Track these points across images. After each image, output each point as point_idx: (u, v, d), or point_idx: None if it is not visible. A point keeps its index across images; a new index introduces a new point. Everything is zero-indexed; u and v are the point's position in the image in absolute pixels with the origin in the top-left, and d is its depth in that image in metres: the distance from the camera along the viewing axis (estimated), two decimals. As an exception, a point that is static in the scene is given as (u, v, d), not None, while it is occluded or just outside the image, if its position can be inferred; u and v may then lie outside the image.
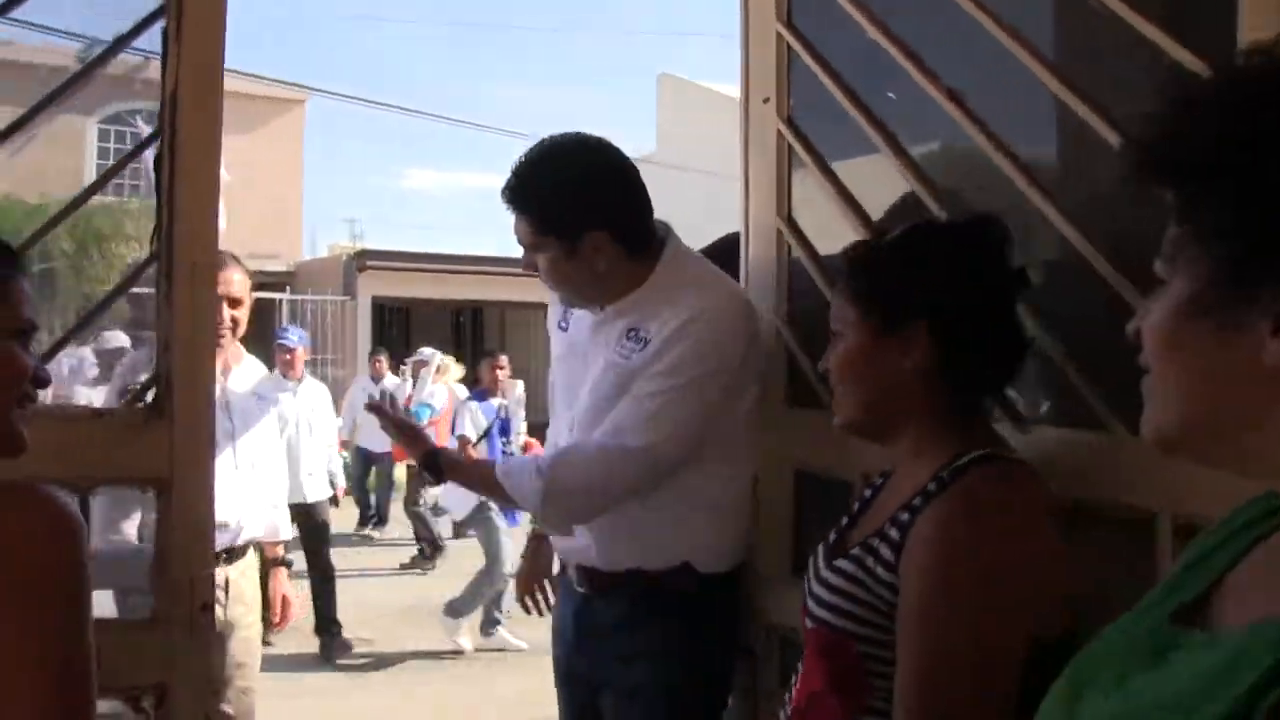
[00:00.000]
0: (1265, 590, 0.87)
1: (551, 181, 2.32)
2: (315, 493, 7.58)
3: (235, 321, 3.65)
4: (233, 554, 3.66)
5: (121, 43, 2.01)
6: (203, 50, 2.00)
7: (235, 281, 3.62)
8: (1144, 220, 1.86)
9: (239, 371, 3.82)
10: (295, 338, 8.16)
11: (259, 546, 4.09)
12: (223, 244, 3.36)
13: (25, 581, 1.24)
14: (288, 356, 7.92)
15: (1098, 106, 1.84)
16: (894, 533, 1.56)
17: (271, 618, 4.27)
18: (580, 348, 2.50)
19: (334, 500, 8.40)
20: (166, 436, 1.97)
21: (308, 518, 7.48)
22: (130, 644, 2.00)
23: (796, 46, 2.54)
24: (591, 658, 2.53)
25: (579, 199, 2.30)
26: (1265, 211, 0.85)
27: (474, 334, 20.46)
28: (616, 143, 2.43)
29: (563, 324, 2.60)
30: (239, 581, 3.68)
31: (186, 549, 1.98)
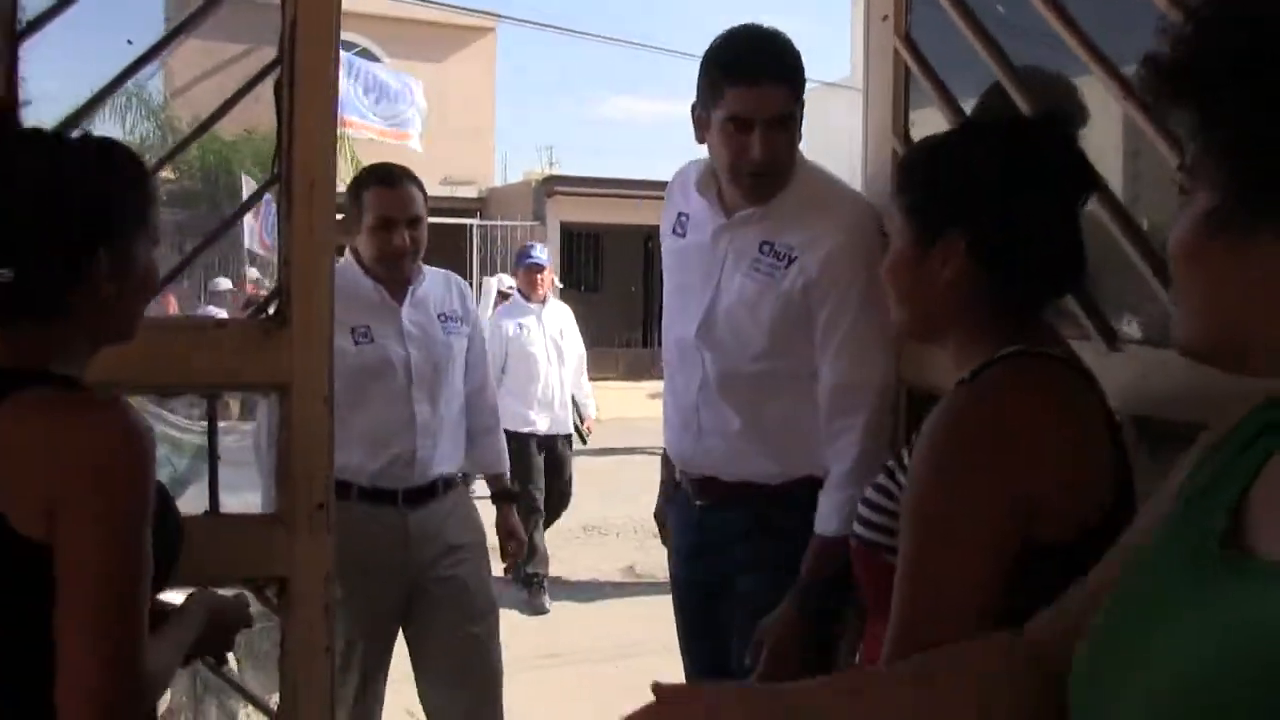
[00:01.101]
0: None
1: (794, 52, 2.40)
2: (554, 424, 6.99)
3: (415, 243, 3.21)
4: (416, 496, 3.22)
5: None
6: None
7: (415, 200, 3.22)
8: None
9: (419, 295, 3.32)
10: (544, 256, 7.33)
11: (492, 480, 3.61)
12: (419, 170, 3.48)
13: (85, 486, 1.35)
14: (538, 276, 7.11)
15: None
16: (915, 437, 1.54)
17: (501, 555, 3.61)
18: (698, 254, 2.55)
19: (581, 435, 7.54)
20: (287, 344, 2.12)
21: (545, 450, 6.95)
22: (253, 538, 2.18)
23: (916, -36, 2.50)
24: (710, 569, 2.61)
25: (804, 69, 2.43)
26: (1273, 123, 0.85)
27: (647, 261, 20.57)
28: (812, 67, 2.53)
29: (678, 229, 2.63)
30: (423, 525, 3.23)
31: (305, 450, 2.13)
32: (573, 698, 5.14)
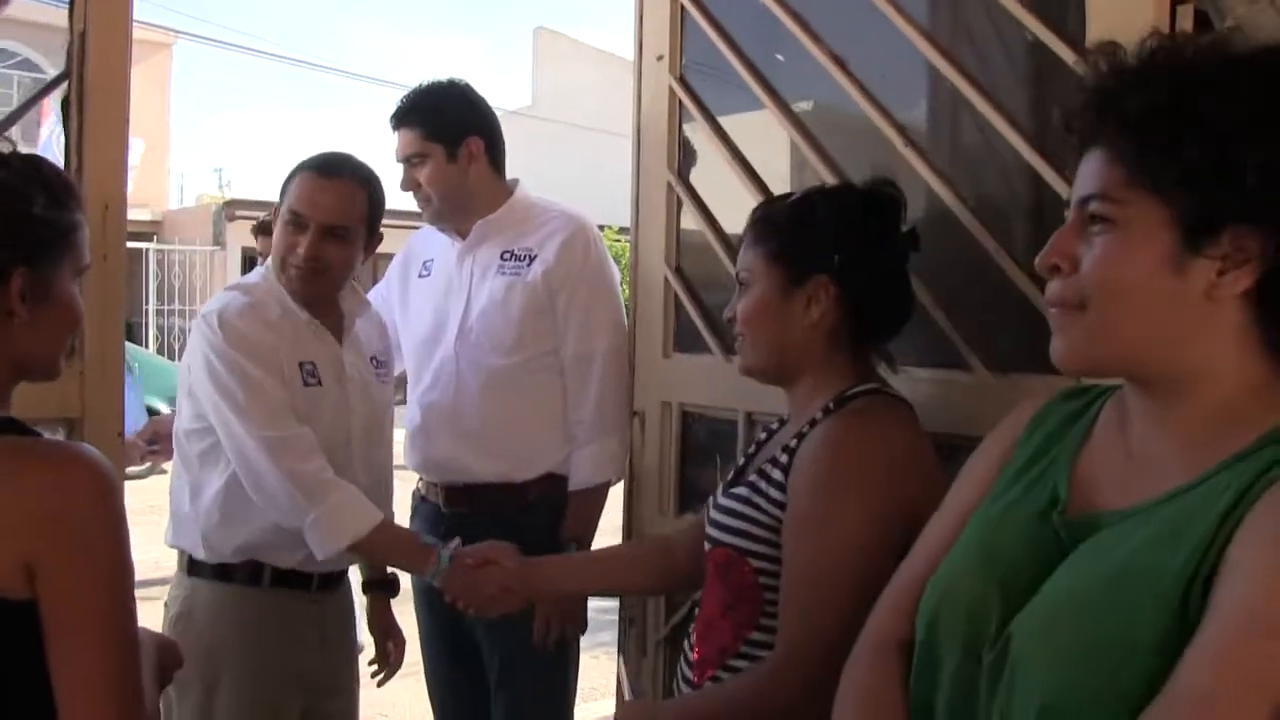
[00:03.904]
0: (1146, 472, 1.12)
1: (437, 96, 2.77)
2: None
3: (320, 261, 2.42)
4: (329, 582, 2.53)
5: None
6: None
7: (340, 206, 2.43)
8: (1001, 178, 2.06)
9: (361, 329, 2.63)
10: None
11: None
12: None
13: (70, 543, 1.26)
14: None
15: (971, 77, 2.01)
16: (784, 457, 1.70)
17: (378, 660, 2.88)
18: (446, 281, 2.82)
19: None
20: (77, 376, 2.01)
21: None
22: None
23: (689, 6, 2.63)
24: None
25: (461, 109, 2.78)
26: (1226, 162, 1.02)
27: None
28: (492, 95, 2.86)
29: (423, 273, 2.91)
30: (335, 620, 2.60)
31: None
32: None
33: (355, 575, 2.82)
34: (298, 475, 2.25)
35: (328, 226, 2.40)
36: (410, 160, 2.74)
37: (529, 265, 2.71)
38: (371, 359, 2.63)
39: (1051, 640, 1.06)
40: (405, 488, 2.89)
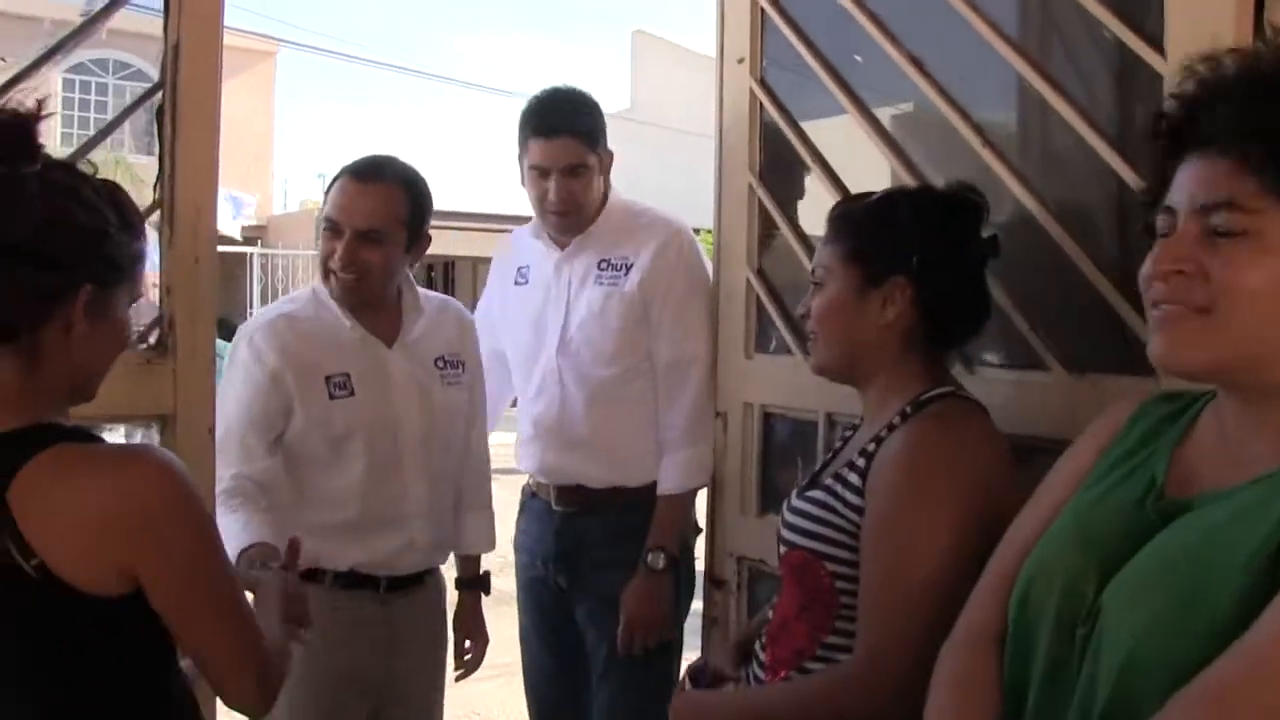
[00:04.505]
0: (1239, 463, 1.13)
1: (584, 104, 2.75)
2: None
3: (358, 265, 2.42)
4: (401, 584, 2.54)
5: (123, -3, 2.10)
6: (203, 2, 2.09)
7: (376, 210, 2.42)
8: (1085, 182, 2.02)
9: (423, 331, 2.59)
10: None
11: (465, 562, 2.84)
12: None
13: (149, 542, 1.34)
14: None
15: (1051, 79, 1.98)
16: (861, 461, 1.69)
17: (456, 658, 2.83)
18: (544, 289, 2.82)
19: None
20: (170, 374, 2.08)
21: None
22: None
23: (769, 9, 2.64)
24: (568, 570, 2.82)
25: (602, 119, 2.77)
26: None
27: (446, 288, 20.41)
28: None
29: (520, 280, 2.91)
30: (404, 621, 2.56)
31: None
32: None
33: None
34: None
35: (361, 231, 2.40)
36: (574, 171, 2.67)
37: (625, 275, 2.71)
38: (437, 360, 2.60)
39: (1138, 608, 1.08)
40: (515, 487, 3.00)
